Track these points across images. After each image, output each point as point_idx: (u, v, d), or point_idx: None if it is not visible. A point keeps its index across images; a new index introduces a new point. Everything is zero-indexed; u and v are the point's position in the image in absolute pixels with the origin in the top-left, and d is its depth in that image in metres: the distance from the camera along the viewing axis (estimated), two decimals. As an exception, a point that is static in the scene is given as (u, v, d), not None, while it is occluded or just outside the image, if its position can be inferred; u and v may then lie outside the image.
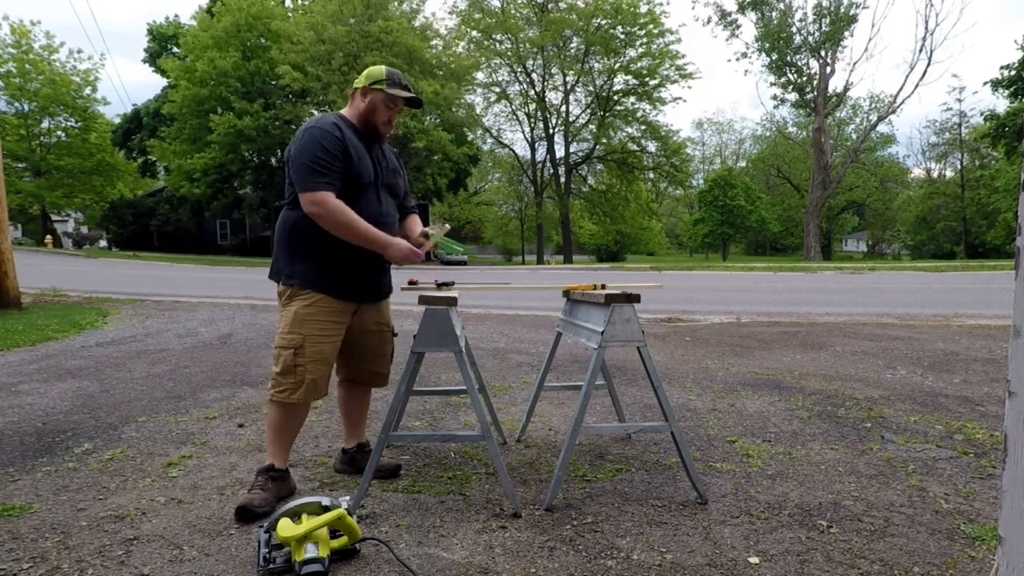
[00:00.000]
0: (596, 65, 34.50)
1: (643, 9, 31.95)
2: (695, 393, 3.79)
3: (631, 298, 2.19)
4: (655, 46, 32.88)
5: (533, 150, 37.31)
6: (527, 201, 37.95)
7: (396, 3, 29.60)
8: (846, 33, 32.93)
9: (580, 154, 37.04)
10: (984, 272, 15.71)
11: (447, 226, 2.50)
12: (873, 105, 45.19)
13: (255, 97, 29.65)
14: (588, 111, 36.12)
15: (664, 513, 2.11)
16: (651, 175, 38.01)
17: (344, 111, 2.32)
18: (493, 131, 37.96)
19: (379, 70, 2.27)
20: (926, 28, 42.62)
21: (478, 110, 35.40)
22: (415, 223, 2.55)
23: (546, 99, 35.20)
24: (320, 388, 2.22)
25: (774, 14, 33.39)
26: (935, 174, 50.19)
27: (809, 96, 34.65)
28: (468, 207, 48.17)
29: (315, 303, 2.19)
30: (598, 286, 2.48)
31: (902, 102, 41.04)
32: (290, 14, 31.67)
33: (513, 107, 36.37)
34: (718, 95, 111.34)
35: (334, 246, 2.18)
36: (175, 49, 34.72)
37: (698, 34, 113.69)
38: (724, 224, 45.18)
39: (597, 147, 36.02)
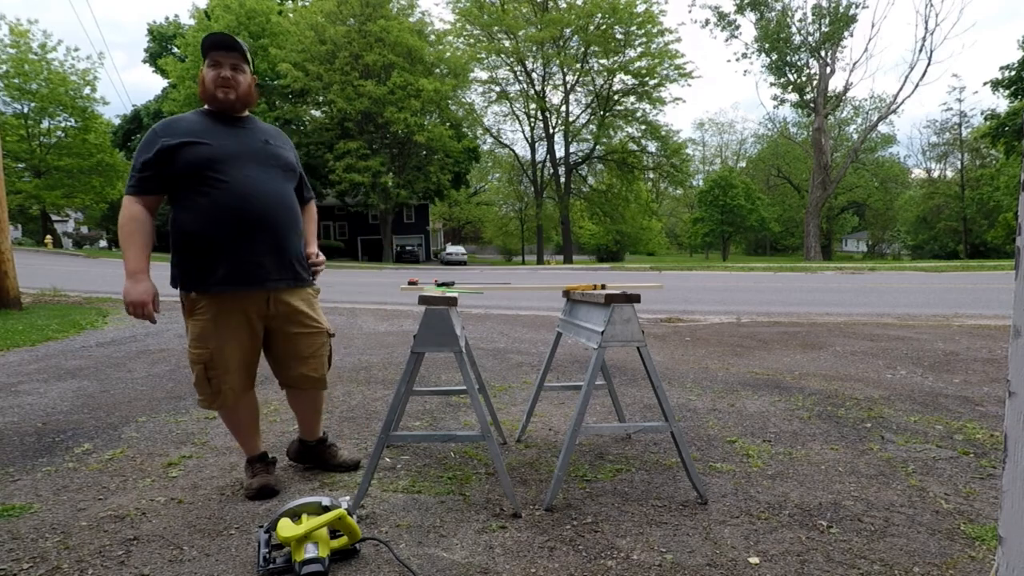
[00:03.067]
0: (596, 64, 34.51)
1: (640, 8, 31.96)
2: (695, 393, 3.79)
3: (631, 298, 2.19)
4: (654, 46, 32.92)
5: (533, 150, 37.34)
6: (527, 201, 37.97)
7: (394, 1, 29.61)
8: (846, 33, 32.95)
9: (580, 154, 37.07)
10: (984, 272, 15.71)
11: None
12: (873, 105, 45.24)
13: (257, 97, 29.66)
14: (588, 111, 36.15)
15: (664, 513, 2.11)
16: (651, 175, 38.03)
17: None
18: (493, 131, 38.01)
19: (205, 39, 2.16)
20: (926, 28, 42.70)
21: (478, 109, 35.45)
22: (310, 215, 2.44)
23: (546, 99, 35.21)
24: (243, 387, 2.23)
25: (773, 15, 33.39)
26: (935, 174, 50.22)
27: (809, 96, 34.65)
28: (468, 207, 48.20)
29: (219, 312, 2.11)
30: (598, 286, 2.48)
31: (902, 102, 41.13)
32: (290, 13, 31.65)
33: (513, 107, 36.41)
34: (719, 96, 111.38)
35: (203, 236, 2.07)
36: (175, 49, 34.72)
37: (698, 34, 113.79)
38: (724, 224, 45.19)
39: (597, 147, 36.04)
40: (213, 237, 2.07)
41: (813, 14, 32.99)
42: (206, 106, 2.20)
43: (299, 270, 2.25)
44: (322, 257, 2.39)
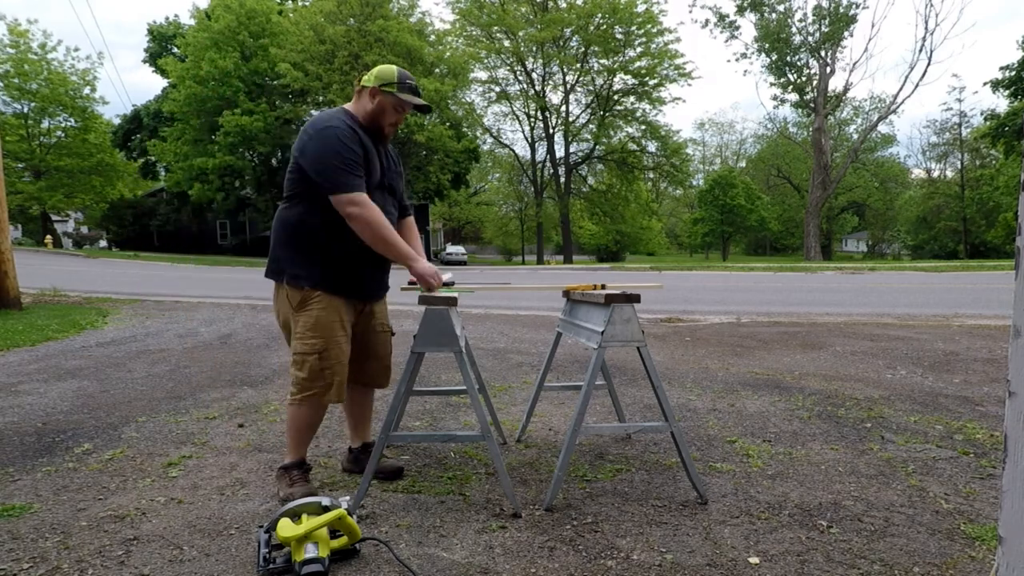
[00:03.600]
0: (596, 64, 34.51)
1: (640, 8, 31.96)
2: (695, 393, 3.79)
3: (631, 298, 2.19)
4: (654, 45, 32.90)
5: (533, 150, 37.33)
6: (527, 201, 37.96)
7: (394, 1, 29.62)
8: (846, 33, 32.94)
9: (580, 154, 37.05)
10: (984, 272, 15.71)
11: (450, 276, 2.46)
12: (873, 105, 45.23)
13: (257, 96, 29.71)
14: (588, 111, 36.13)
15: (664, 513, 2.11)
16: (651, 175, 38.01)
17: (349, 107, 2.28)
18: (493, 131, 38.00)
19: (390, 71, 2.23)
20: (926, 28, 42.69)
21: (477, 109, 35.45)
22: (412, 227, 2.55)
23: (546, 99, 35.21)
24: (344, 389, 2.27)
25: (773, 15, 33.39)
26: (935, 174, 50.21)
27: (809, 96, 34.64)
28: (468, 207, 48.19)
29: (330, 305, 2.19)
30: (598, 286, 2.48)
31: (902, 102, 41.11)
32: (291, 13, 31.66)
33: (513, 107, 36.40)
34: (719, 96, 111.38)
35: (342, 246, 2.17)
36: (175, 49, 34.74)
37: (698, 34, 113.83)
38: (724, 224, 45.18)
39: (597, 147, 36.03)
40: (362, 250, 2.20)
41: (813, 14, 33.01)
42: (360, 121, 2.24)
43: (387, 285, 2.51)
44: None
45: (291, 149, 2.22)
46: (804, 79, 34.63)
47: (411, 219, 2.59)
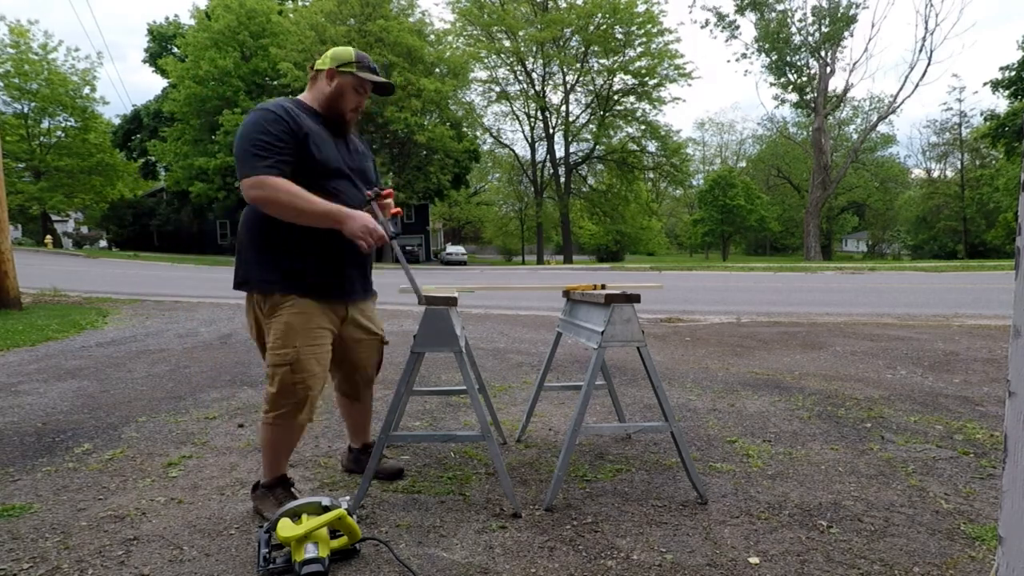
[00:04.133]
0: (596, 64, 34.52)
1: (641, 8, 31.97)
2: (695, 393, 3.79)
3: (631, 298, 2.19)
4: (654, 45, 32.92)
5: (533, 150, 37.34)
6: (527, 201, 37.97)
7: (394, 1, 29.63)
8: (846, 33, 32.95)
9: (580, 154, 37.07)
10: (984, 272, 15.71)
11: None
12: (873, 105, 45.24)
13: (258, 96, 29.71)
14: (588, 111, 36.15)
15: (664, 513, 2.11)
16: (651, 175, 38.03)
17: (302, 96, 2.13)
18: (493, 131, 38.02)
19: (346, 51, 2.09)
20: (926, 28, 42.71)
21: (477, 109, 35.46)
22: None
23: (546, 99, 35.21)
24: (316, 407, 2.11)
25: (773, 15, 33.39)
26: (935, 174, 50.22)
27: (809, 96, 34.65)
28: (468, 207, 48.19)
29: (303, 310, 2.00)
30: (598, 286, 2.48)
31: (902, 102, 41.13)
32: (291, 13, 31.68)
33: (513, 107, 36.41)
34: (719, 96, 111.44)
35: (309, 239, 1.98)
36: (175, 49, 34.75)
37: (698, 34, 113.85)
38: (724, 224, 45.18)
39: (597, 147, 36.04)
40: (332, 241, 2.01)
41: (813, 14, 33.02)
42: (316, 108, 2.10)
43: (370, 283, 2.32)
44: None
45: None
46: (804, 79, 34.64)
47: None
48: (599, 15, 31.97)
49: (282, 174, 1.90)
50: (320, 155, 2.00)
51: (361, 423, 2.47)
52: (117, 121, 37.38)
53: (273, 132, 1.91)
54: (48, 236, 32.02)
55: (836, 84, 36.20)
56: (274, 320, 2.01)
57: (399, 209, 2.26)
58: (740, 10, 33.35)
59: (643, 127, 35.12)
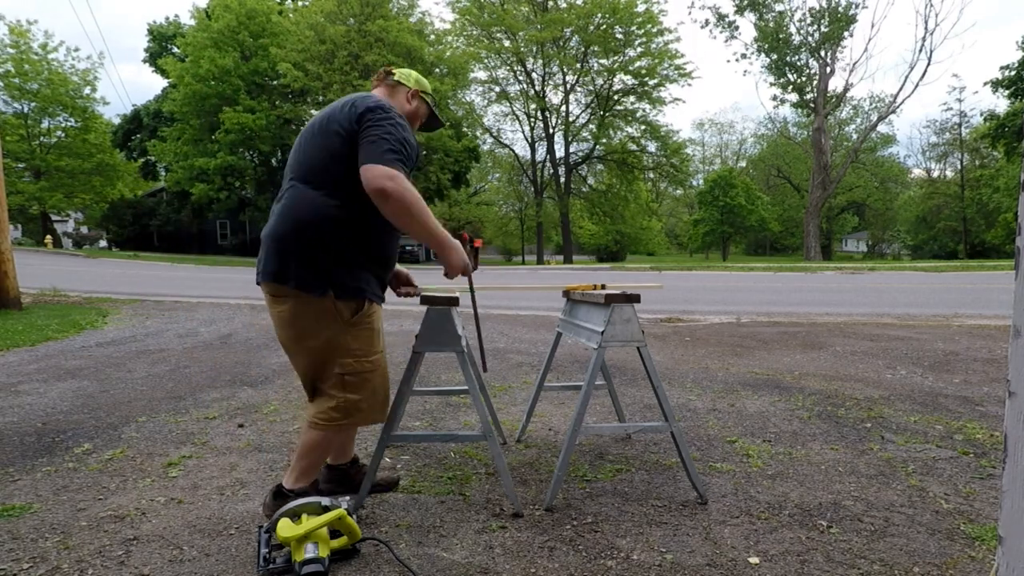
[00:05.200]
0: (596, 64, 34.53)
1: (640, 8, 31.98)
2: (695, 393, 3.79)
3: (631, 298, 2.19)
4: (654, 46, 32.92)
5: (533, 150, 37.34)
6: (527, 201, 37.96)
7: (394, 1, 29.65)
8: (845, 33, 32.95)
9: (580, 154, 37.07)
10: (984, 272, 15.71)
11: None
12: (873, 105, 45.23)
13: (257, 96, 29.73)
14: (588, 111, 36.15)
15: (664, 513, 2.11)
16: (651, 175, 38.04)
17: (383, 99, 2.00)
18: (493, 131, 38.02)
19: (426, 82, 2.15)
20: (926, 28, 42.69)
21: (477, 109, 35.47)
22: None
23: (546, 99, 35.22)
24: None
25: (771, 15, 33.40)
26: (935, 174, 50.23)
27: (809, 96, 34.65)
28: (468, 207, 48.18)
29: (375, 313, 1.95)
30: (598, 286, 2.48)
31: (902, 102, 41.13)
32: (291, 13, 31.69)
33: (513, 107, 36.42)
34: (719, 96, 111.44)
35: (375, 244, 1.91)
36: (175, 49, 34.75)
37: (698, 34, 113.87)
38: (724, 224, 45.17)
39: (597, 147, 36.05)
40: (388, 247, 1.98)
41: (812, 15, 33.01)
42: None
43: None
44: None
45: (335, 125, 1.85)
46: (804, 79, 34.64)
47: None
48: (599, 15, 31.97)
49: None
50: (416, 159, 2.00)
51: (354, 434, 2.36)
52: (117, 121, 37.37)
53: (412, 142, 1.89)
54: (48, 236, 32.02)
55: (836, 84, 36.26)
56: (361, 327, 1.90)
57: (480, 240, 2.25)
58: (740, 10, 33.36)
59: (643, 127, 35.14)
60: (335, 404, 1.91)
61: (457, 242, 1.95)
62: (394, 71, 2.12)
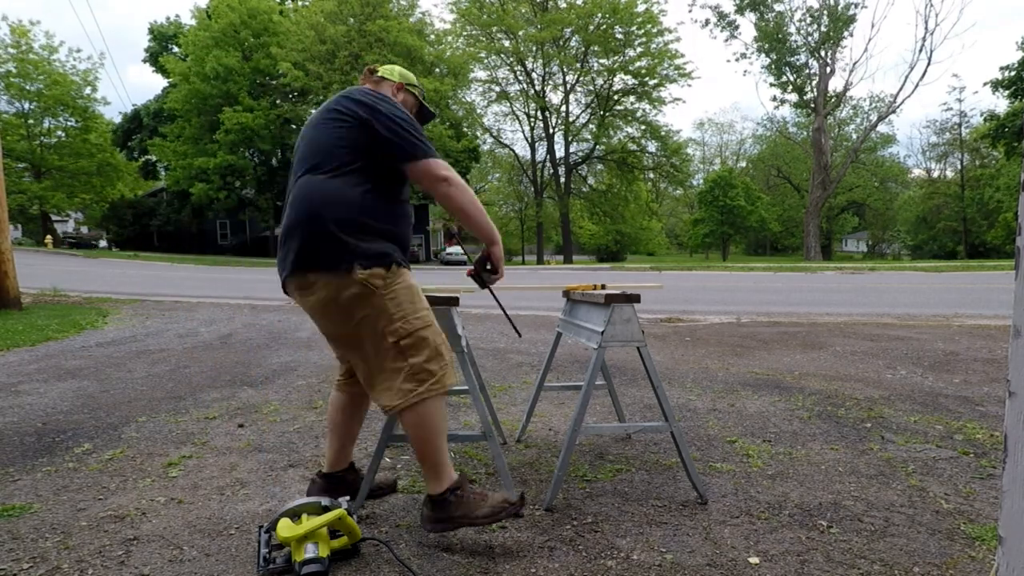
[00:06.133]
0: (596, 64, 34.54)
1: (640, 8, 31.99)
2: (695, 393, 3.79)
3: (631, 298, 2.19)
4: (654, 45, 32.94)
5: (533, 150, 37.36)
6: (527, 201, 37.98)
7: (394, 1, 29.65)
8: (845, 33, 32.96)
9: (580, 154, 37.10)
10: (984, 272, 15.71)
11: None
12: (873, 105, 45.25)
13: (258, 95, 29.73)
14: (588, 111, 36.17)
15: (664, 513, 2.11)
16: (651, 175, 38.06)
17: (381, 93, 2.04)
18: (493, 131, 38.03)
19: (411, 75, 2.17)
20: (926, 28, 42.72)
21: (478, 109, 35.48)
22: None
23: (546, 98, 35.22)
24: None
25: (771, 15, 33.41)
26: (935, 174, 50.25)
27: (808, 96, 34.66)
28: (468, 207, 48.13)
29: (406, 274, 1.88)
30: (598, 286, 2.48)
31: (902, 102, 41.13)
32: (292, 13, 31.70)
33: (513, 107, 36.44)
34: (719, 96, 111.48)
35: (390, 221, 1.88)
36: (175, 49, 34.76)
37: (698, 34, 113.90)
38: (724, 224, 45.18)
39: (597, 147, 36.06)
40: (405, 229, 1.97)
41: (812, 15, 33.02)
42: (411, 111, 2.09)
43: None
44: None
45: (333, 114, 1.87)
46: (803, 79, 34.66)
47: None
48: (599, 15, 32.00)
49: None
50: None
51: (355, 435, 2.21)
52: (118, 120, 37.37)
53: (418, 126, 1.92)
54: (48, 236, 32.02)
55: (836, 84, 36.25)
56: (398, 288, 1.82)
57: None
58: (740, 10, 33.38)
59: (643, 127, 35.16)
60: (404, 376, 1.79)
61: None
62: (377, 68, 2.16)
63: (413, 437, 1.83)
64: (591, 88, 35.64)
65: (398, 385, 1.79)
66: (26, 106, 31.08)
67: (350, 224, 1.78)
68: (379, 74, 2.15)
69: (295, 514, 1.79)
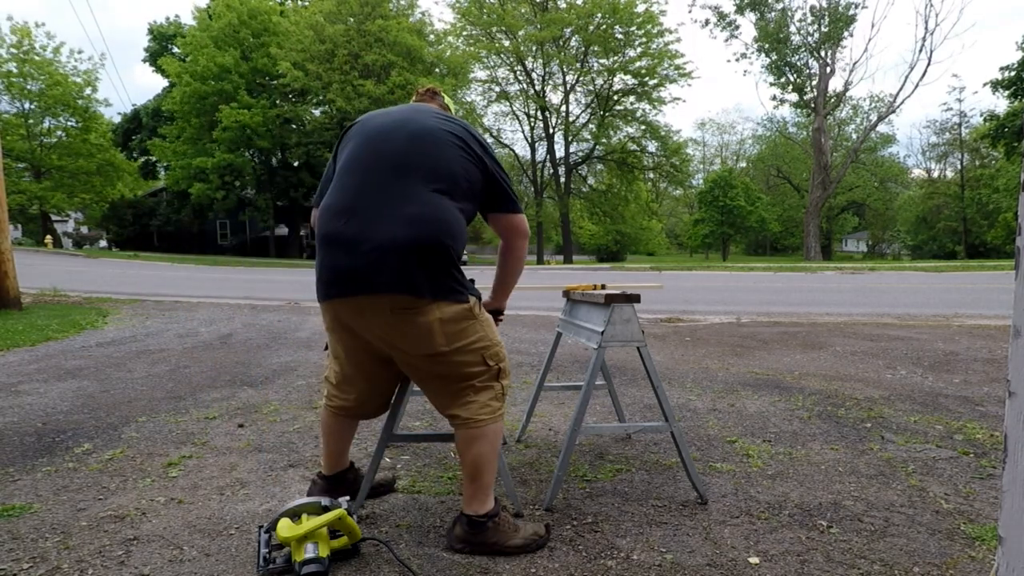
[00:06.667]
0: (596, 64, 34.53)
1: (640, 8, 31.98)
2: (695, 393, 3.79)
3: (631, 298, 2.19)
4: (654, 46, 32.91)
5: (533, 150, 37.34)
6: (527, 201, 37.93)
7: (393, 0, 29.66)
8: (845, 33, 32.96)
9: (580, 154, 37.06)
10: (984, 272, 15.71)
11: None
12: (873, 105, 45.24)
13: (258, 95, 29.72)
14: (588, 111, 36.15)
15: (664, 513, 2.11)
16: (651, 175, 38.03)
17: None
18: (493, 131, 37.99)
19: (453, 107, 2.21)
20: (926, 28, 42.72)
21: (478, 109, 35.46)
22: None
23: (546, 98, 35.21)
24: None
25: (772, 15, 33.40)
26: (935, 174, 50.26)
27: (808, 96, 34.66)
28: (468, 207, 48.12)
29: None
30: (598, 286, 2.48)
31: (902, 102, 41.15)
32: (291, 13, 31.70)
33: (513, 106, 36.42)
34: (719, 96, 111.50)
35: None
36: (175, 49, 34.76)
37: (698, 34, 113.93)
38: (724, 224, 45.17)
39: (597, 147, 36.04)
40: None
41: (811, 14, 33.03)
42: None
43: None
44: None
45: (458, 141, 1.85)
46: (803, 79, 34.66)
47: None
48: (599, 15, 31.96)
49: None
50: None
51: (351, 437, 2.18)
52: (117, 120, 37.37)
53: None
54: (48, 236, 32.02)
55: (836, 84, 36.22)
56: (476, 321, 1.84)
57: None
58: (740, 9, 33.38)
59: (643, 127, 35.12)
60: (494, 394, 1.86)
61: None
62: (440, 91, 2.15)
63: (479, 454, 1.82)
64: (591, 88, 35.61)
65: (486, 401, 1.85)
66: (26, 106, 31.08)
67: (458, 256, 1.83)
68: (444, 101, 2.14)
69: (295, 514, 1.79)
